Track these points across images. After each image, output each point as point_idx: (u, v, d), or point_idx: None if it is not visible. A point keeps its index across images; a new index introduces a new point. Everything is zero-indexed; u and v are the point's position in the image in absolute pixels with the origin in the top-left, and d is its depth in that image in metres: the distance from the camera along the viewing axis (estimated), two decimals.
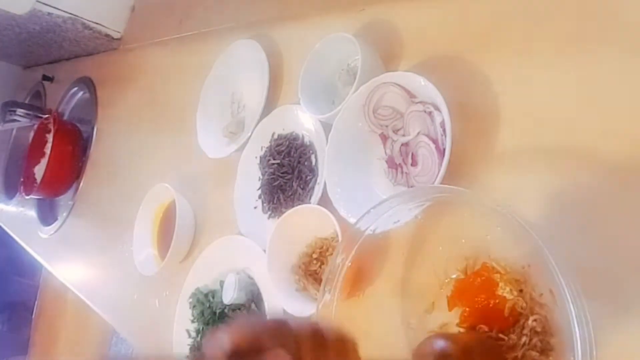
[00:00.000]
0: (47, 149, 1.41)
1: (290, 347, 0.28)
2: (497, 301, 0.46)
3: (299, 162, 0.77)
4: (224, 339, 0.27)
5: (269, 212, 0.80)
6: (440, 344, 0.44)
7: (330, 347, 0.30)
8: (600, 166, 0.48)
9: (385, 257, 0.58)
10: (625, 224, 0.46)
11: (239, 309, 0.77)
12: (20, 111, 1.51)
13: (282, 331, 0.29)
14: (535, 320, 0.44)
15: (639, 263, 0.44)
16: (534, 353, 0.43)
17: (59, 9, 1.31)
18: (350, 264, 0.52)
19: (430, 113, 0.60)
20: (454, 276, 0.51)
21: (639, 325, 0.43)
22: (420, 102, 0.61)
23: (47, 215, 1.52)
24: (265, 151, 0.83)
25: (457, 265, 0.51)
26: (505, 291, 0.46)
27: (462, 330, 0.49)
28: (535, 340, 0.43)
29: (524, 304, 0.45)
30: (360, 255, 0.52)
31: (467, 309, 0.49)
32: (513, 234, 0.46)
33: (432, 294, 0.52)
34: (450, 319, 0.50)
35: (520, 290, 0.46)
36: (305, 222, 0.69)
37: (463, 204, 0.51)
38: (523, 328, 0.44)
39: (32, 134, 1.51)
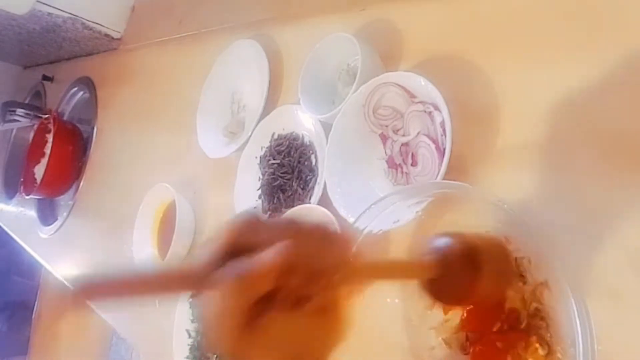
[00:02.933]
0: (47, 149, 1.41)
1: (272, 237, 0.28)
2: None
3: (299, 162, 0.77)
4: (216, 243, 0.28)
5: (269, 212, 0.80)
6: (441, 239, 0.41)
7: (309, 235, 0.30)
8: (600, 165, 0.48)
9: (386, 255, 0.58)
10: (626, 220, 0.46)
11: None
12: (20, 111, 1.51)
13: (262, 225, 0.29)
14: (537, 308, 0.44)
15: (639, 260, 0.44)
16: (535, 342, 0.43)
17: (59, 9, 1.31)
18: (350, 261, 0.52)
19: (430, 113, 0.60)
20: None
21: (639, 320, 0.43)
22: (420, 102, 0.61)
23: (47, 215, 1.52)
24: (265, 151, 0.83)
25: None
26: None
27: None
28: (536, 329, 0.43)
29: (525, 295, 0.45)
30: (361, 253, 0.52)
31: (466, 312, 0.49)
32: (514, 230, 0.46)
33: None
34: (451, 316, 0.50)
35: (524, 278, 0.46)
36: None
37: (463, 200, 0.51)
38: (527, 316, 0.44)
39: (32, 134, 1.51)
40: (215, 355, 0.79)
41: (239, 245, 0.28)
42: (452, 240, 0.41)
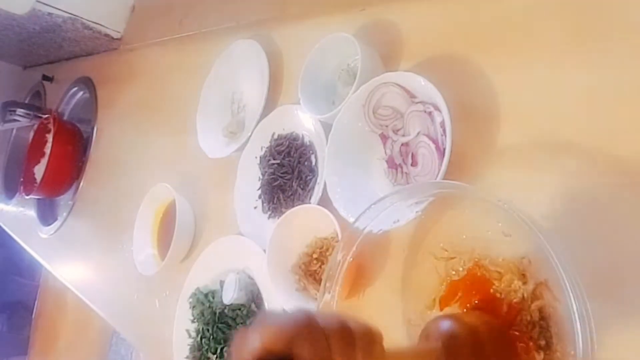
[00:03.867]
0: (47, 149, 1.40)
1: (320, 346, 0.29)
2: (493, 298, 0.46)
3: (299, 162, 0.77)
4: (253, 341, 0.28)
5: (269, 212, 0.80)
6: (446, 325, 0.43)
7: (358, 342, 0.31)
8: (599, 164, 0.49)
9: (386, 254, 0.58)
10: (625, 220, 0.46)
11: (239, 309, 0.78)
12: (20, 111, 1.51)
13: (311, 329, 0.29)
14: (538, 307, 0.44)
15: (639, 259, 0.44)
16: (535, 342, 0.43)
17: (59, 9, 1.31)
18: (351, 259, 0.52)
19: (430, 113, 0.60)
20: (454, 273, 0.51)
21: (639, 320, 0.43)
22: (420, 102, 0.61)
23: (47, 215, 1.51)
24: (265, 151, 0.83)
25: (458, 261, 0.51)
26: (502, 286, 0.46)
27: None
28: (536, 329, 0.43)
29: (525, 295, 0.45)
30: (361, 253, 0.52)
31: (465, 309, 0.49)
32: (514, 230, 0.46)
33: (433, 290, 0.52)
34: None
35: (524, 278, 0.46)
36: (305, 222, 0.69)
37: (463, 200, 0.51)
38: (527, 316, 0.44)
39: (32, 134, 1.51)
40: (215, 356, 0.79)
41: (280, 348, 0.28)
42: (455, 325, 0.43)
